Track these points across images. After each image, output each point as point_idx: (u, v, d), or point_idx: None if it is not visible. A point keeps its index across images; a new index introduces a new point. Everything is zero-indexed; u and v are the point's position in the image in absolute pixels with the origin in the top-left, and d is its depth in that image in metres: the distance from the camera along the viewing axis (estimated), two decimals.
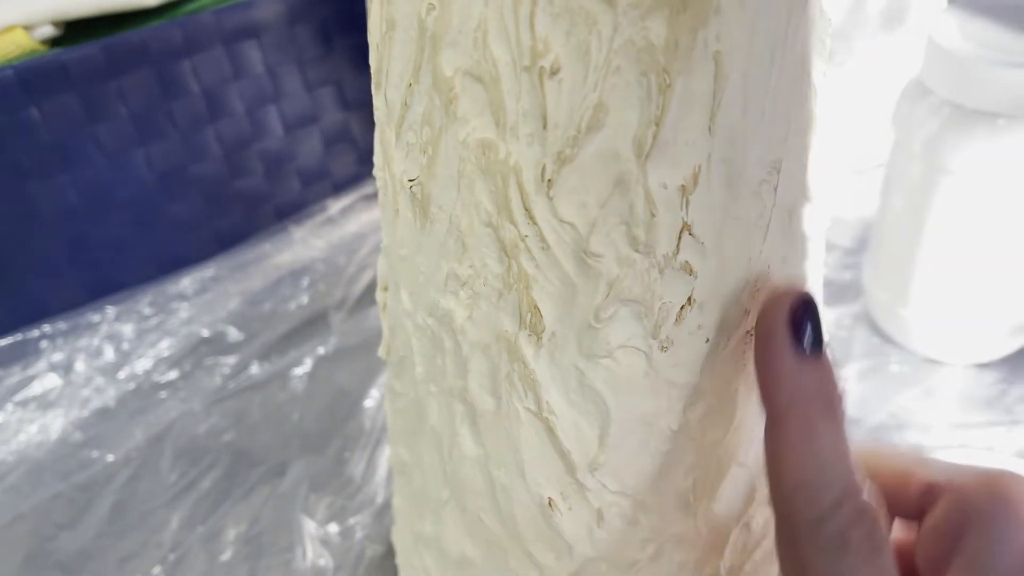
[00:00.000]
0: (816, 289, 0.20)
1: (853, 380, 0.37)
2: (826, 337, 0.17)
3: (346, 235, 0.48)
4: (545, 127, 0.15)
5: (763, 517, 0.22)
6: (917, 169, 0.33)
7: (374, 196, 0.51)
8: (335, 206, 0.50)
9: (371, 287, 0.46)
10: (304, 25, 0.45)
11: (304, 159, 0.48)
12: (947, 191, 0.33)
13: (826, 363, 0.17)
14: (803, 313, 0.17)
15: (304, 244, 0.48)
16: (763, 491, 0.21)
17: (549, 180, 0.16)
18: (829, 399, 0.17)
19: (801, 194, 0.18)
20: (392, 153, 0.19)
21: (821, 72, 0.17)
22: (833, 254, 0.43)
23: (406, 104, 0.17)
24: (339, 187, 0.51)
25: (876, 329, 0.39)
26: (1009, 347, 0.36)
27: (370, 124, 0.54)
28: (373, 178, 0.53)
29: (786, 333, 0.17)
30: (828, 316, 0.40)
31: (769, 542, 0.23)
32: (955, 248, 0.34)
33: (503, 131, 0.16)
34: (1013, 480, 0.18)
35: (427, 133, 0.17)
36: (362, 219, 0.50)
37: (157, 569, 0.33)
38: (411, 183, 0.18)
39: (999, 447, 0.33)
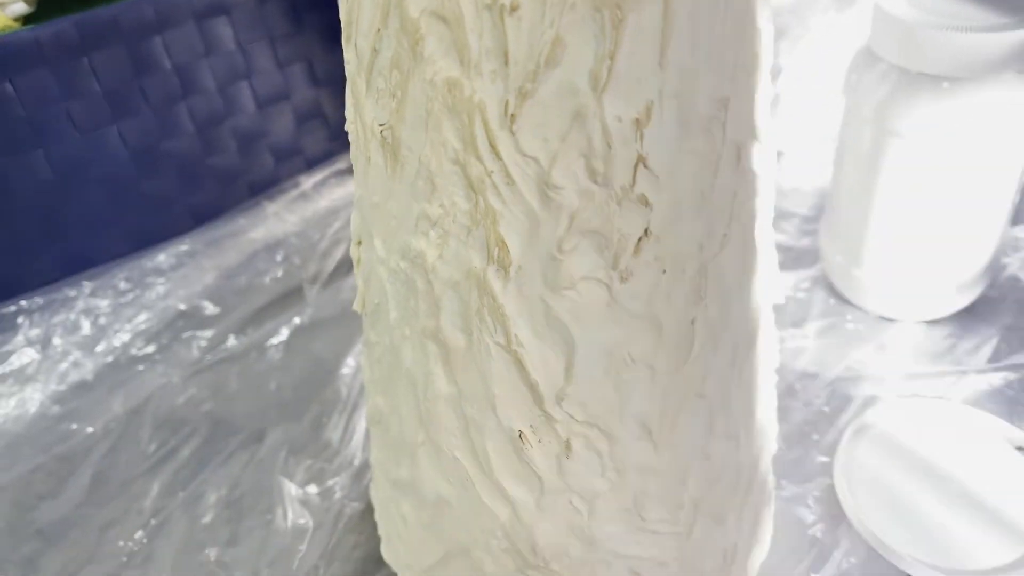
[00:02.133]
0: (767, 228, 0.21)
1: (812, 338, 0.38)
2: None
3: (319, 210, 0.49)
4: (507, 64, 0.16)
5: (723, 450, 0.23)
6: (867, 134, 0.35)
7: (346, 171, 0.52)
8: (308, 182, 0.50)
9: (344, 260, 0.46)
10: (274, 2, 0.45)
11: (276, 135, 0.49)
12: (896, 154, 0.34)
13: None
14: None
15: (278, 219, 0.48)
16: (721, 424, 0.23)
17: (512, 115, 0.17)
18: None
19: (749, 132, 0.19)
20: (363, 101, 0.20)
21: (765, 17, 0.18)
22: (791, 222, 0.45)
23: (375, 50, 0.18)
24: (311, 163, 0.51)
25: (833, 290, 0.40)
26: (957, 304, 0.38)
27: (341, 102, 0.55)
28: (345, 154, 0.54)
29: None
30: (788, 280, 0.41)
31: (731, 474, 0.24)
32: (905, 209, 0.35)
33: (467, 69, 0.17)
34: None
35: (396, 77, 0.18)
36: (335, 194, 0.50)
37: (140, 534, 0.33)
38: (381, 128, 0.19)
39: (949, 395, 0.35)
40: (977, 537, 0.29)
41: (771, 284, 0.23)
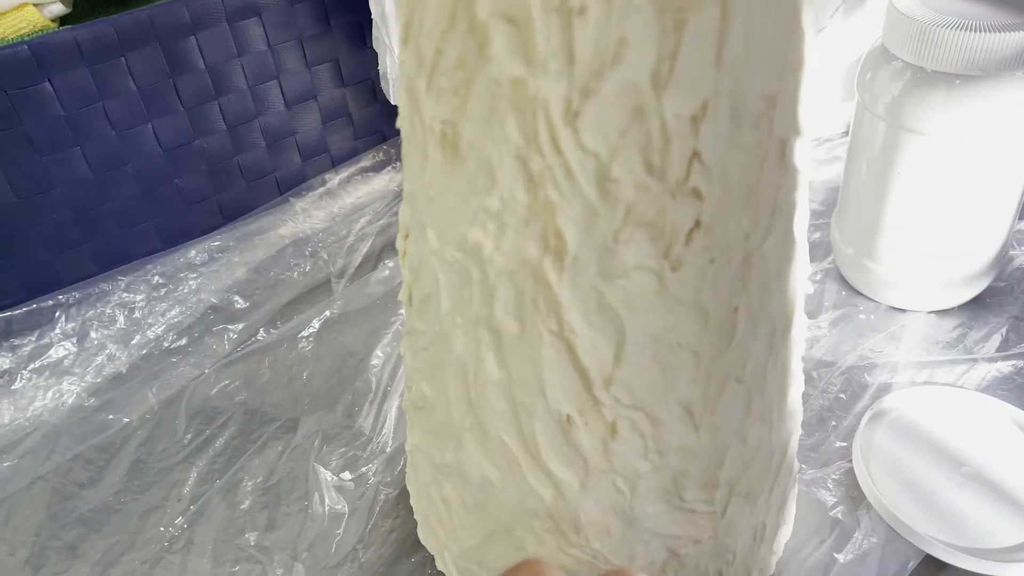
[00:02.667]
0: (804, 220, 0.23)
1: (826, 328, 0.39)
2: None
3: (345, 206, 0.50)
4: (572, 63, 0.17)
5: (758, 433, 0.24)
6: (881, 131, 0.36)
7: (371, 169, 0.53)
8: (334, 179, 0.51)
9: (371, 255, 0.47)
10: (304, 4, 0.46)
11: (304, 134, 0.50)
12: (909, 150, 0.35)
13: None
14: None
15: (305, 215, 0.49)
16: (757, 407, 0.24)
17: (575, 112, 0.18)
18: None
19: (793, 129, 0.20)
20: (422, 99, 0.21)
21: (809, 19, 0.19)
22: (808, 208, 0.46)
23: (439, 51, 0.19)
24: (337, 161, 0.52)
25: (844, 282, 0.42)
26: (966, 295, 0.39)
27: (366, 101, 0.56)
28: (369, 152, 0.55)
29: None
30: None
31: (764, 456, 0.25)
32: (916, 204, 0.36)
33: (533, 68, 0.18)
34: None
35: (460, 75, 0.19)
36: (360, 191, 0.51)
37: (179, 520, 0.34)
38: (442, 125, 0.20)
39: (962, 383, 0.36)
40: (990, 517, 0.30)
41: (804, 273, 0.24)
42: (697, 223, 0.19)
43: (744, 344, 0.22)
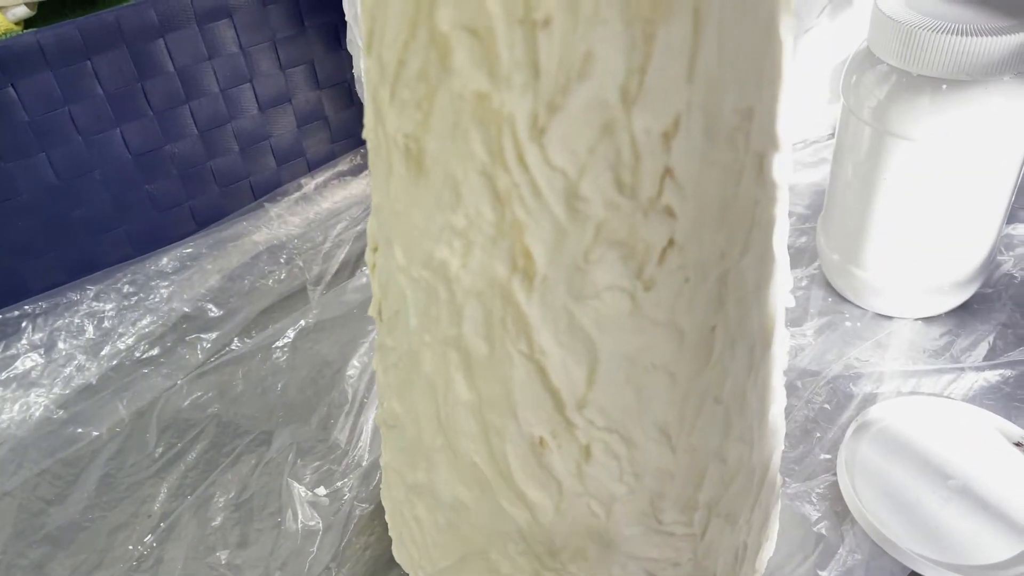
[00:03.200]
0: (784, 235, 0.22)
1: (811, 336, 0.39)
2: None
3: (321, 212, 0.49)
4: (537, 77, 0.16)
5: (738, 453, 0.23)
6: (866, 135, 0.35)
7: (348, 173, 0.52)
8: (310, 184, 0.50)
9: (348, 262, 0.46)
10: (277, 5, 0.45)
11: (278, 138, 0.49)
12: (894, 155, 0.34)
13: None
14: None
15: (280, 221, 0.48)
16: (737, 427, 0.23)
17: (541, 128, 0.17)
18: None
19: (771, 143, 0.19)
20: (386, 111, 0.20)
21: (788, 28, 0.19)
22: (788, 221, 0.45)
23: (401, 62, 0.18)
24: (313, 165, 0.51)
25: (830, 288, 0.41)
26: (953, 302, 0.38)
27: (342, 104, 0.55)
28: (346, 156, 0.54)
29: None
30: None
31: (744, 475, 0.24)
32: (903, 209, 0.36)
33: (497, 82, 0.17)
34: None
35: (423, 88, 0.18)
36: (336, 196, 0.50)
37: (149, 537, 0.33)
38: (406, 139, 0.19)
39: (948, 392, 0.35)
40: (978, 533, 0.29)
41: (784, 288, 0.23)
42: (671, 242, 0.18)
43: (722, 363, 0.21)
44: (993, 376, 0.35)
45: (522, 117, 0.17)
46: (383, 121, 0.20)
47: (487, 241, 0.19)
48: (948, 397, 0.35)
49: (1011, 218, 0.43)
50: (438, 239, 0.20)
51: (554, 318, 0.19)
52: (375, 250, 0.24)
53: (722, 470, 0.23)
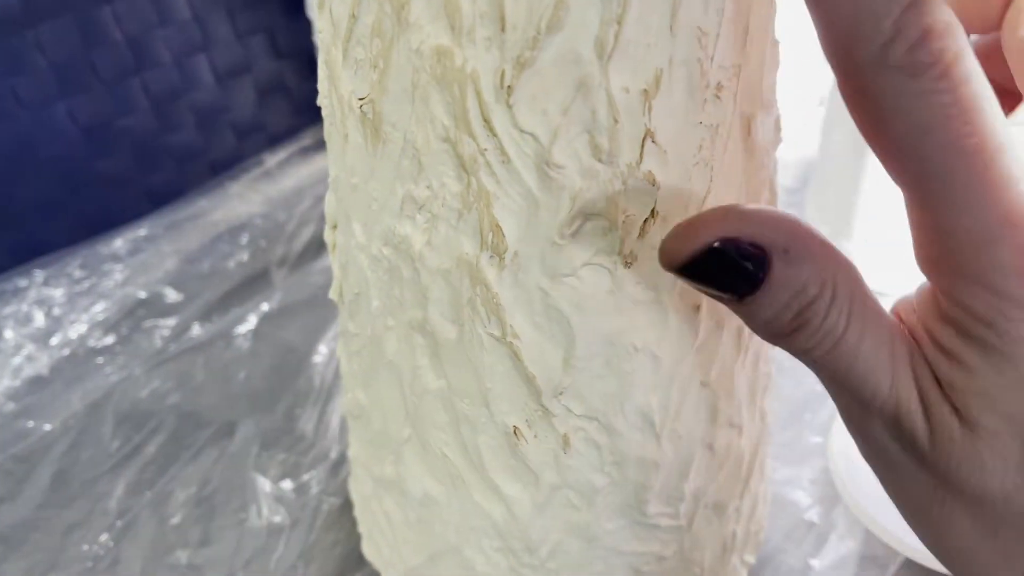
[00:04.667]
0: (774, 203, 0.20)
1: None
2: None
3: (285, 189, 0.48)
4: (503, 29, 0.15)
5: (726, 439, 0.22)
6: None
7: (312, 148, 0.51)
8: (272, 159, 0.49)
9: (313, 242, 0.45)
10: None
11: (237, 111, 0.47)
12: None
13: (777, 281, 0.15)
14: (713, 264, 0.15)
15: (241, 199, 0.47)
16: (725, 411, 0.22)
17: (509, 87, 0.15)
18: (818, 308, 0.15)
19: (757, 103, 0.18)
20: (339, 73, 0.18)
21: None
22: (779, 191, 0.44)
23: (354, 16, 0.17)
24: (275, 140, 0.50)
25: None
26: None
27: (305, 74, 0.53)
28: (310, 130, 0.52)
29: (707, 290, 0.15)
30: None
31: (732, 463, 0.23)
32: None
33: (459, 36, 0.15)
34: None
35: (377, 45, 0.16)
36: (301, 172, 0.49)
37: (105, 537, 0.32)
38: (361, 102, 0.18)
39: None
40: None
41: None
42: (653, 213, 0.17)
43: (708, 344, 0.20)
44: None
45: (487, 75, 0.15)
46: (336, 84, 0.18)
47: (452, 214, 0.17)
48: None
49: None
50: (399, 213, 0.18)
51: (527, 298, 0.18)
52: (334, 228, 0.23)
53: (709, 458, 0.22)
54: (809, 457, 0.31)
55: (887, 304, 0.16)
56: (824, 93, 0.37)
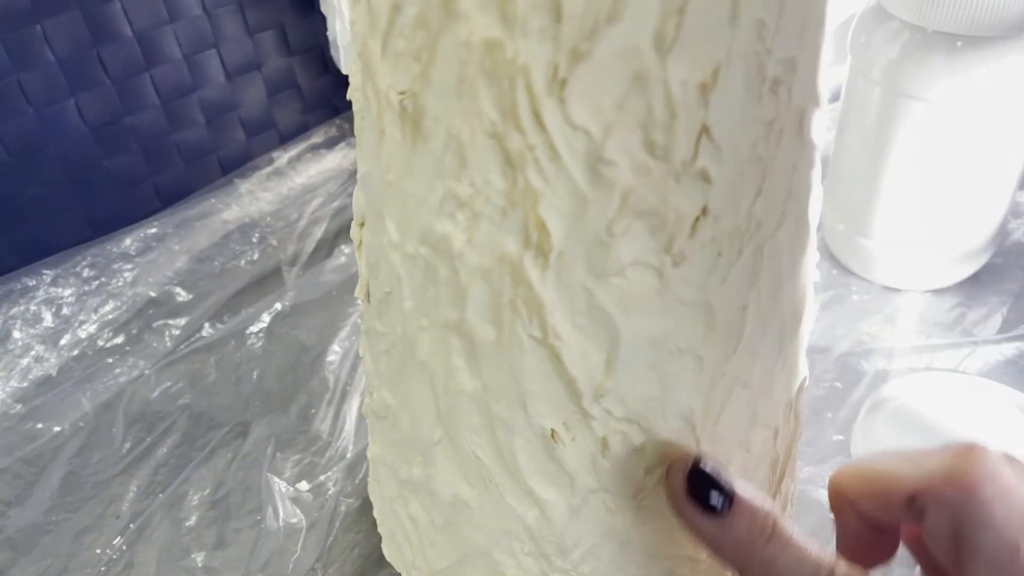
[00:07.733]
0: (817, 202, 0.20)
1: (818, 310, 0.37)
2: (729, 483, 0.18)
3: (295, 187, 0.47)
4: (559, 20, 0.14)
5: (761, 439, 0.22)
6: (876, 96, 0.34)
7: (323, 146, 0.50)
8: (282, 157, 0.49)
9: (325, 240, 0.45)
10: None
11: (248, 108, 0.47)
12: (906, 117, 0.33)
13: (743, 504, 0.18)
14: (698, 482, 0.18)
15: (252, 197, 0.46)
16: (763, 413, 0.21)
17: (562, 80, 0.15)
18: (764, 528, 0.18)
19: (812, 98, 0.17)
20: (376, 66, 0.18)
21: None
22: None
23: (396, 7, 0.16)
24: (286, 137, 0.50)
25: (835, 260, 0.40)
26: (964, 272, 0.37)
27: (316, 71, 0.53)
28: (321, 127, 0.51)
29: (694, 506, 0.18)
30: None
31: (767, 465, 0.23)
32: (914, 174, 0.34)
33: (511, 27, 0.15)
34: (977, 468, 0.18)
35: (422, 37, 0.16)
36: (311, 170, 0.49)
37: (118, 540, 0.32)
38: (401, 96, 0.17)
39: (963, 367, 0.34)
40: None
41: (815, 261, 0.21)
42: (704, 210, 0.16)
43: (752, 345, 0.19)
44: (1009, 349, 0.34)
45: (539, 68, 0.15)
46: (373, 77, 0.18)
47: (496, 212, 0.17)
48: (964, 372, 0.33)
49: (1022, 183, 0.42)
50: (439, 211, 0.18)
51: (571, 298, 0.17)
52: (362, 225, 0.22)
53: (746, 459, 0.22)
54: (832, 455, 0.31)
55: (905, 299, 0.16)
56: (837, 90, 0.37)
